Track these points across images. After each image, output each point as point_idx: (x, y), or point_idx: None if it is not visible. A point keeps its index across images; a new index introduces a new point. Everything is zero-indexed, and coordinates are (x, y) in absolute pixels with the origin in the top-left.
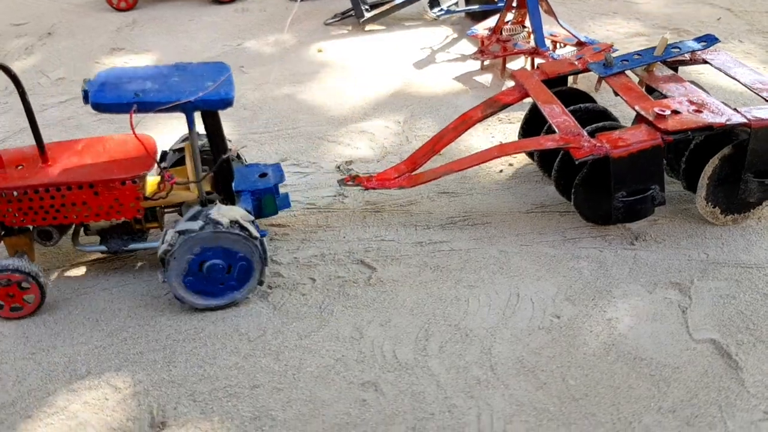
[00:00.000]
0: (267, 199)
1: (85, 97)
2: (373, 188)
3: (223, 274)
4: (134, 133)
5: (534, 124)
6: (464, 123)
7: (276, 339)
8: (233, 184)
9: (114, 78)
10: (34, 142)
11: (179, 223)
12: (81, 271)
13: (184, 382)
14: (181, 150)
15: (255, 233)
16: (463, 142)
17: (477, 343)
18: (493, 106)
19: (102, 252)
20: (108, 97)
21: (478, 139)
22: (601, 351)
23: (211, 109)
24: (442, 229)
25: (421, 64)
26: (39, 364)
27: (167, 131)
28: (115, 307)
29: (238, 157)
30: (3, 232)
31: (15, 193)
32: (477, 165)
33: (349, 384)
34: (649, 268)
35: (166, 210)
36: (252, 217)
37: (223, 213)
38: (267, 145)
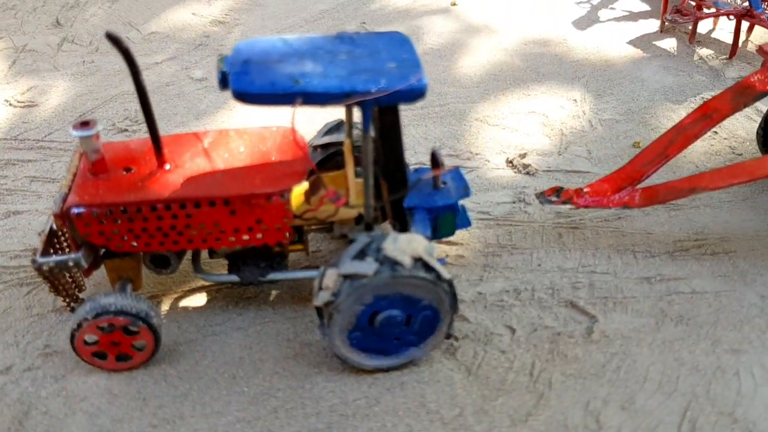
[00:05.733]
0: (446, 218)
1: (223, 82)
2: (586, 207)
3: (400, 328)
4: (294, 134)
5: None
6: (707, 118)
7: (480, 423)
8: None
9: (260, 54)
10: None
11: (343, 260)
12: (203, 299)
13: None
14: (325, 147)
15: (445, 274)
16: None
17: None
18: (746, 95)
19: (233, 283)
20: (257, 84)
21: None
22: None
23: (396, 102)
24: (671, 258)
25: (583, 23)
26: None
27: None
28: (256, 357)
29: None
30: (103, 252)
31: (123, 210)
32: (743, 182)
33: None
34: None
35: (312, 228)
36: (435, 249)
37: (402, 248)
38: (411, 126)
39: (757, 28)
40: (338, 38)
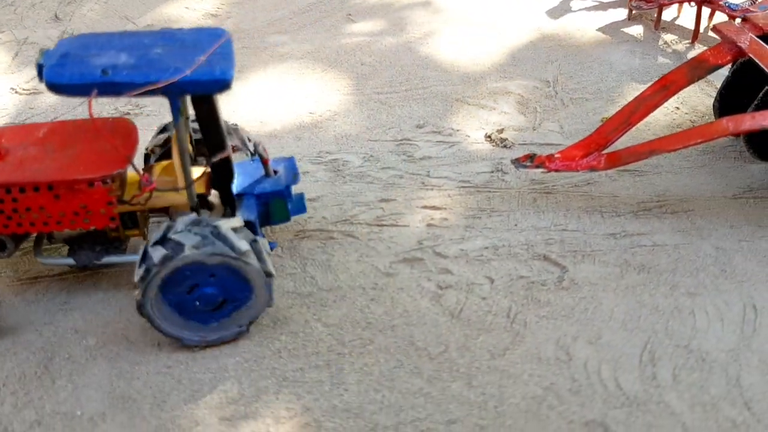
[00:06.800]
0: (276, 203)
1: (40, 74)
2: (557, 170)
3: (218, 300)
4: (92, 119)
5: (738, 91)
6: (665, 89)
7: (463, 357)
8: (234, 185)
9: (79, 48)
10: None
11: (148, 247)
12: None
13: (361, 411)
14: (169, 140)
15: (239, 246)
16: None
17: (719, 371)
18: (701, 69)
19: (69, 266)
20: (66, 75)
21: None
22: None
23: (202, 93)
24: (635, 217)
25: (556, 13)
26: (179, 381)
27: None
28: None
29: (254, 146)
30: None
31: None
32: (697, 144)
33: (570, 423)
34: None
35: (150, 214)
36: (240, 224)
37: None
38: (397, 107)
39: (717, 13)
40: (159, 34)
